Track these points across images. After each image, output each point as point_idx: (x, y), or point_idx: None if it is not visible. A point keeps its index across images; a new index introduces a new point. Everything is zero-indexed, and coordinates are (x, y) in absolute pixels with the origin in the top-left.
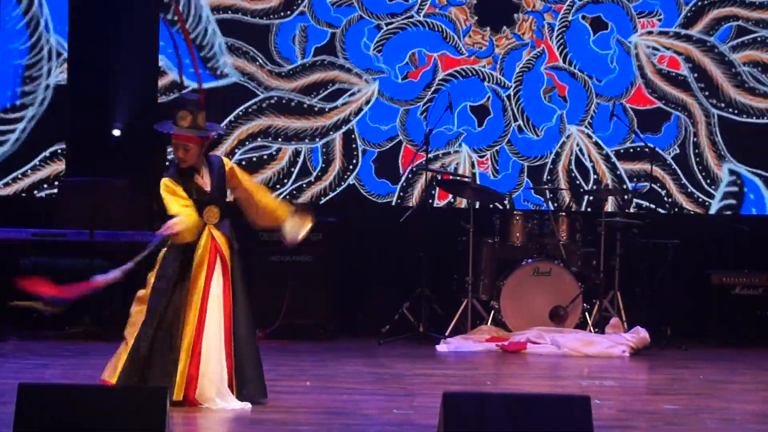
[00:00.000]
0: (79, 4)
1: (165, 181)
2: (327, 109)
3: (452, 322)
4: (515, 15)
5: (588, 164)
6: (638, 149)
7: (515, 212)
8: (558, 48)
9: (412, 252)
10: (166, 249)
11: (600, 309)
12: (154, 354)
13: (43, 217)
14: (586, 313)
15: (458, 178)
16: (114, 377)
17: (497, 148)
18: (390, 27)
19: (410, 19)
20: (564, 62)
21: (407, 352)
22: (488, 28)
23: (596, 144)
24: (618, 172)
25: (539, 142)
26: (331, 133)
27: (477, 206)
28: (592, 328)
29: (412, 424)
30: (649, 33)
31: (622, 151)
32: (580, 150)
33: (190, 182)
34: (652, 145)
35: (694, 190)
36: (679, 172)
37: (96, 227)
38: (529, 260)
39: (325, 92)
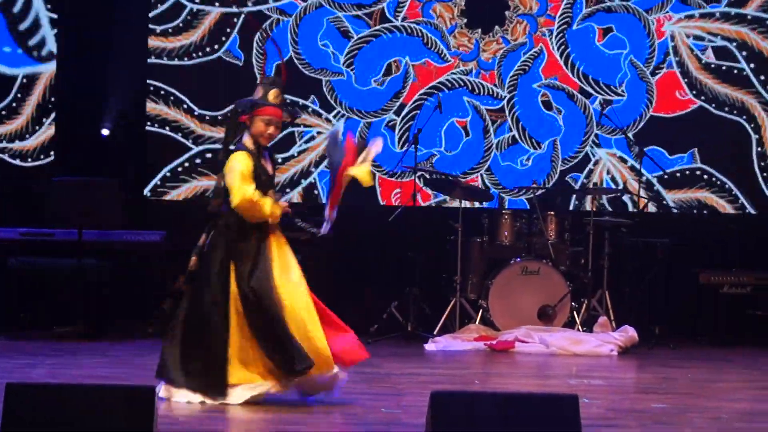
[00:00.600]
0: (70, 4)
1: (245, 154)
2: (280, 161)
3: (440, 321)
4: (506, 12)
5: (625, 197)
6: (687, 172)
7: (504, 211)
8: (558, 48)
9: (401, 251)
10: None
11: (588, 308)
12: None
13: (32, 217)
14: (575, 312)
15: (447, 177)
16: None
17: (474, 176)
18: (362, 35)
19: (385, 25)
20: (566, 65)
21: (395, 351)
22: (479, 30)
23: (633, 169)
24: (664, 203)
25: (526, 173)
26: (288, 190)
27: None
28: (580, 327)
29: (400, 423)
30: (689, 17)
31: (666, 176)
32: (613, 179)
33: (259, 162)
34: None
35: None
36: (740, 196)
37: (85, 227)
38: (518, 259)
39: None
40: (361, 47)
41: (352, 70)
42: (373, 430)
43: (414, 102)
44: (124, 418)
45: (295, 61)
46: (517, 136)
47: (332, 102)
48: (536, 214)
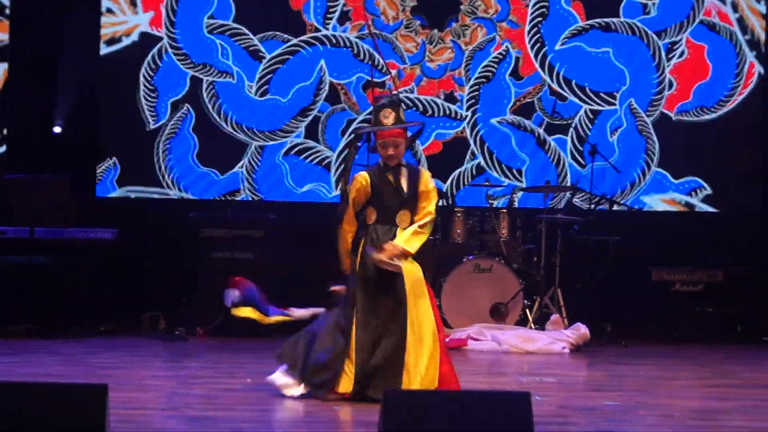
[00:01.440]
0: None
1: (359, 176)
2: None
3: None
4: (461, 6)
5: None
6: None
7: (456, 209)
8: (533, 48)
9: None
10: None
11: (540, 306)
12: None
13: None
14: (527, 310)
15: None
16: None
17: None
18: (276, 53)
19: (302, 37)
20: (542, 68)
21: None
22: (435, 31)
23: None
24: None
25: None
26: None
27: None
28: (532, 325)
29: (353, 421)
30: None
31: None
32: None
33: (389, 182)
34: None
35: None
36: None
37: (36, 224)
38: (470, 257)
39: None
40: (276, 68)
41: (265, 95)
42: (327, 429)
43: (311, 115)
44: (76, 417)
45: (169, 49)
46: (485, 163)
47: (213, 114)
48: (489, 213)
